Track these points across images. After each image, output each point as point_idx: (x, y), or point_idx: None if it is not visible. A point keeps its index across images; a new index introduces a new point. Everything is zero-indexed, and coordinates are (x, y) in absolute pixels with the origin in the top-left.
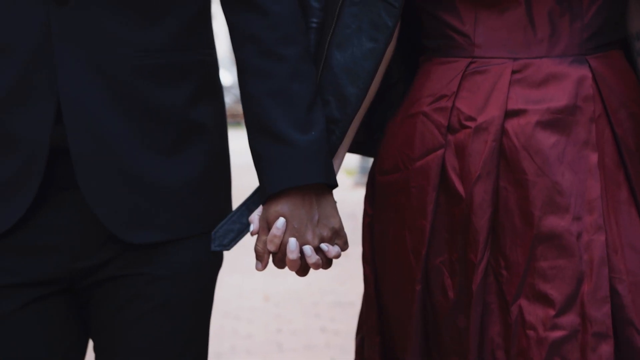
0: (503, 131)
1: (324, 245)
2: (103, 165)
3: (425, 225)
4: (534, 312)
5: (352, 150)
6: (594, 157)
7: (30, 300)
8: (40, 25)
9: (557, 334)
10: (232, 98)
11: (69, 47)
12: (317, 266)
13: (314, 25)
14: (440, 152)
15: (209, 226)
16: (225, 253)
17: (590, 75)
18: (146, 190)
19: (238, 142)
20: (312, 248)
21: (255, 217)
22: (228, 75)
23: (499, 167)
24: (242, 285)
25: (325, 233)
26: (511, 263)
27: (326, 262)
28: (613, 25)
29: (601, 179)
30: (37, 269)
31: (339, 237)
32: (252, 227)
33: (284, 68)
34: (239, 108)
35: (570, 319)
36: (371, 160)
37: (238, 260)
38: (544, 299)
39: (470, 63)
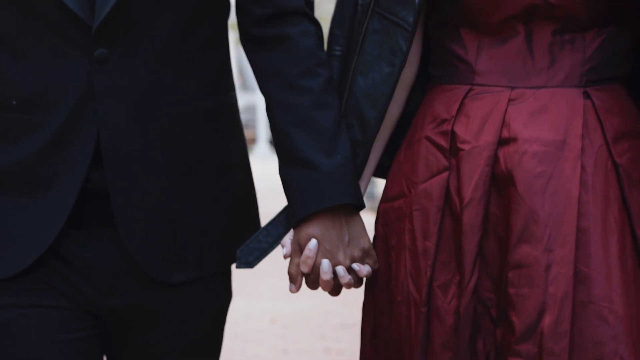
0: (496, 158)
1: (355, 265)
2: (141, 210)
3: (430, 246)
4: (502, 336)
5: (376, 174)
6: (575, 192)
7: (57, 306)
8: (82, 83)
9: None
10: None
11: (110, 101)
12: (349, 286)
13: (337, 53)
14: (445, 174)
15: (234, 261)
16: (235, 277)
17: (589, 107)
18: (181, 232)
19: None
20: (344, 268)
21: (287, 240)
22: None
23: (491, 193)
24: (251, 308)
25: (356, 253)
26: (496, 287)
27: (357, 281)
28: (616, 60)
29: (605, 208)
30: (65, 299)
31: (369, 257)
32: (284, 251)
33: (306, 99)
34: (246, 134)
35: (527, 348)
36: (377, 184)
37: (247, 284)
38: (508, 325)
39: (470, 90)
